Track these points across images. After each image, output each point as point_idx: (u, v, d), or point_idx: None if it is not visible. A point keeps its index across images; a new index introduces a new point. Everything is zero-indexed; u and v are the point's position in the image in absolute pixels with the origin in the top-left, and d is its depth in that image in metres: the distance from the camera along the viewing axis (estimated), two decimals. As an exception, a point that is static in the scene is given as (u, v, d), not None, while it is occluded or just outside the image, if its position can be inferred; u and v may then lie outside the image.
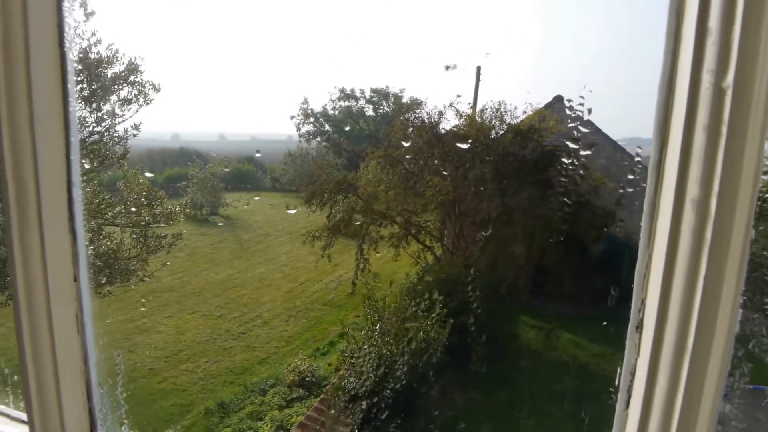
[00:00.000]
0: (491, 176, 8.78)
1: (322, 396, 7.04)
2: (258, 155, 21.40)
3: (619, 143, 10.28)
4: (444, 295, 6.98)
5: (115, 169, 8.95)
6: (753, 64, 0.56)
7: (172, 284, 11.85)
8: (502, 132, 9.47)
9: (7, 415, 0.87)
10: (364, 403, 5.90)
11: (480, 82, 10.74)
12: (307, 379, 7.89)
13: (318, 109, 21.41)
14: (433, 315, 6.55)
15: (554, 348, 8.23)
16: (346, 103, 21.53)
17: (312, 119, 21.63)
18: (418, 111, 10.40)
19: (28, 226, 0.76)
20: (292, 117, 21.42)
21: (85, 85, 8.19)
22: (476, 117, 9.65)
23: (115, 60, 8.36)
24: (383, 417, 5.70)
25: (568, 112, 7.43)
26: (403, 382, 5.87)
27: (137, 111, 8.60)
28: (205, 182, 16.57)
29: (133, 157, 9.56)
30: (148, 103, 8.71)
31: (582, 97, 6.97)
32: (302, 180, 17.17)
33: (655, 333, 0.68)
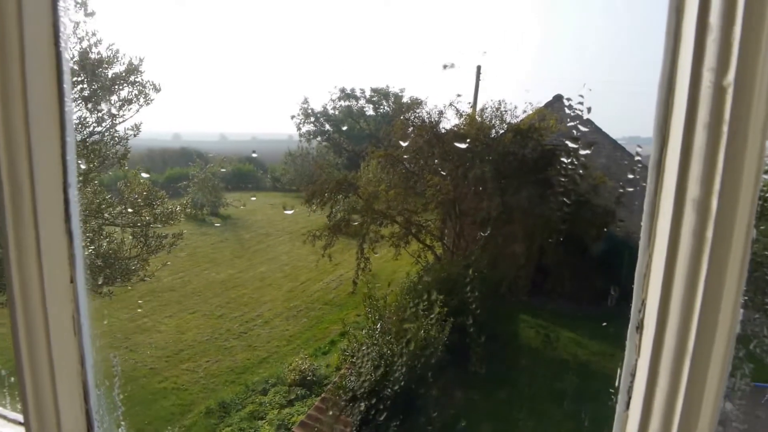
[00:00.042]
0: (491, 175, 8.77)
1: (323, 395, 7.04)
2: (254, 155, 21.38)
3: (619, 142, 10.28)
4: (444, 294, 6.98)
5: (116, 169, 8.95)
6: (754, 61, 0.55)
7: (173, 284, 11.86)
8: (502, 131, 9.46)
9: (4, 417, 0.87)
10: (364, 402, 5.90)
11: (480, 82, 10.73)
12: (308, 378, 7.89)
13: (318, 108, 21.42)
14: (434, 314, 6.55)
15: (554, 347, 8.23)
16: (347, 103, 21.53)
17: (312, 119, 21.64)
18: (418, 110, 10.39)
19: (24, 227, 0.75)
20: (293, 117, 21.43)
21: (85, 86, 8.19)
22: (476, 116, 9.64)
23: (115, 60, 8.36)
24: (384, 416, 5.70)
25: (567, 111, 7.42)
26: (404, 381, 5.86)
27: (138, 111, 8.60)
28: (205, 182, 16.60)
29: (133, 157, 9.57)
30: (148, 103, 8.71)
31: (581, 96, 6.96)
32: (303, 180, 17.17)
33: (655, 334, 0.68)
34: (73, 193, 0.83)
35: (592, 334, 8.36)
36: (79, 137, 8.04)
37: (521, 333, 8.80)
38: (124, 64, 8.46)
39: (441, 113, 9.73)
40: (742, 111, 0.56)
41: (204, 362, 8.76)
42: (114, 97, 8.48)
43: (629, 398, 0.72)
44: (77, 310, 0.81)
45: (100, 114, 8.34)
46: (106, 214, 8.28)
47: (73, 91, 8.21)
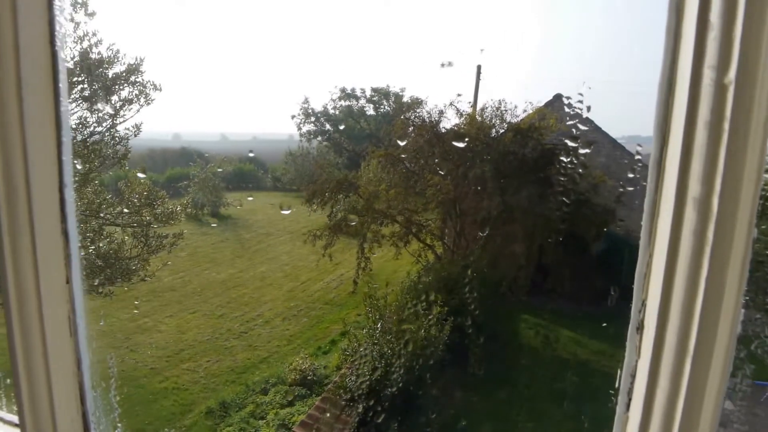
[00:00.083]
0: (492, 175, 8.76)
1: (323, 395, 7.04)
2: (251, 155, 21.38)
3: (619, 141, 10.27)
4: (445, 294, 6.97)
5: (116, 169, 8.96)
6: (755, 59, 0.55)
7: (174, 284, 11.87)
8: (502, 131, 9.45)
9: (0, 419, 0.86)
10: (364, 402, 5.90)
11: (480, 81, 10.73)
12: (309, 377, 7.90)
13: (319, 108, 21.42)
14: (434, 314, 6.54)
15: (554, 347, 8.22)
16: (347, 103, 21.53)
17: (313, 119, 21.64)
18: (418, 110, 10.39)
19: (19, 228, 0.75)
20: (293, 116, 21.44)
21: (86, 86, 8.20)
22: (477, 116, 9.63)
23: (115, 60, 8.36)
24: (384, 416, 5.70)
25: (567, 109, 7.40)
26: (404, 380, 5.86)
27: (138, 111, 8.61)
28: (206, 182, 16.62)
29: (134, 157, 9.57)
30: (149, 103, 8.71)
31: (581, 94, 6.94)
32: (303, 179, 17.18)
33: (656, 334, 0.67)
34: (69, 194, 0.82)
35: (593, 334, 8.35)
36: (79, 137, 8.05)
37: (521, 332, 8.79)
38: (124, 64, 8.47)
39: (441, 113, 9.73)
40: (744, 109, 0.55)
41: (204, 362, 8.77)
42: (114, 97, 8.49)
43: (629, 400, 0.71)
44: (73, 311, 0.80)
45: (100, 114, 8.35)
46: (106, 214, 8.28)
47: (74, 91, 8.20)
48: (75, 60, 7.91)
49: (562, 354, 8.09)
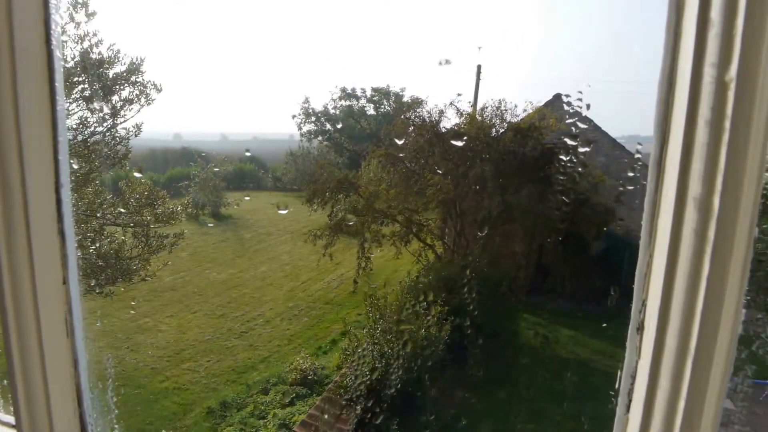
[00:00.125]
0: (492, 174, 8.75)
1: (324, 394, 7.04)
2: (248, 153, 21.37)
3: (619, 141, 10.25)
4: (446, 293, 6.97)
5: (117, 169, 8.97)
6: (757, 56, 0.54)
7: (174, 284, 11.88)
8: (502, 130, 9.45)
9: (-3, 419, 0.86)
10: (363, 402, 5.89)
11: (480, 81, 10.72)
12: (309, 377, 7.90)
13: (319, 108, 21.43)
14: (435, 313, 6.54)
15: (554, 345, 8.22)
16: (348, 102, 21.53)
17: (313, 118, 21.64)
18: (418, 110, 10.39)
19: (15, 228, 0.75)
20: (294, 116, 21.46)
21: (86, 86, 8.20)
22: (477, 115, 9.62)
23: (116, 60, 8.37)
24: (384, 416, 5.69)
25: (566, 108, 7.39)
26: (404, 380, 5.85)
27: (139, 111, 8.61)
28: (206, 182, 16.63)
29: (135, 157, 9.58)
30: (149, 103, 8.71)
31: (580, 92, 6.93)
32: (304, 179, 17.18)
33: (656, 335, 0.66)
34: (66, 194, 0.82)
35: (593, 333, 8.34)
36: (80, 137, 8.06)
37: (521, 332, 8.79)
38: (125, 64, 8.47)
39: (441, 112, 9.72)
40: (745, 107, 0.55)
41: (205, 362, 8.78)
42: (115, 97, 8.49)
43: (630, 401, 0.71)
44: (70, 311, 0.80)
45: (101, 114, 8.35)
46: (107, 214, 8.29)
47: (74, 91, 8.19)
48: (75, 60, 7.92)
49: (562, 353, 8.09)
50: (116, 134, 8.48)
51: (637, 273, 0.71)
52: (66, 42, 7.66)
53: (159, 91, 8.76)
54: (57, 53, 0.80)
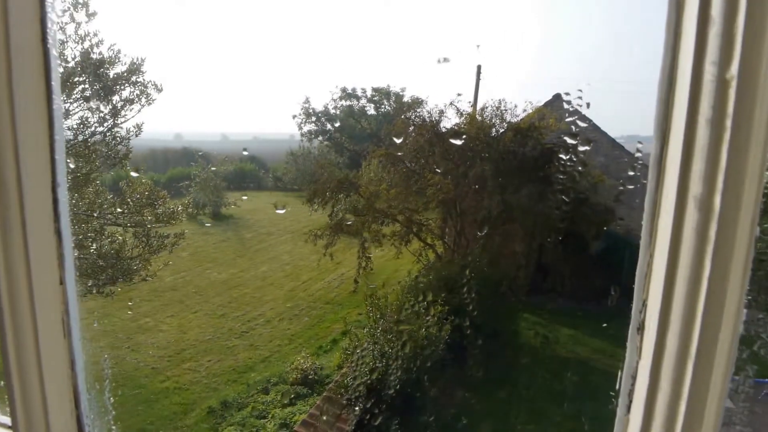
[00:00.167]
0: (492, 174, 8.75)
1: (325, 394, 7.04)
2: (245, 153, 21.34)
3: (618, 141, 10.24)
4: (446, 293, 6.96)
5: (118, 169, 8.98)
6: (758, 53, 0.53)
7: (175, 283, 11.89)
8: (502, 130, 9.45)
9: (-7, 420, 0.86)
10: (363, 401, 5.89)
11: (480, 81, 10.72)
12: (310, 377, 7.91)
13: (320, 108, 21.44)
14: (436, 313, 6.53)
15: (554, 345, 8.21)
16: (348, 102, 21.54)
17: (314, 118, 21.65)
18: (419, 110, 10.39)
19: (11, 228, 0.74)
20: (294, 116, 21.46)
21: (87, 86, 8.20)
22: (477, 115, 9.62)
23: (117, 60, 8.37)
24: (384, 415, 5.69)
25: (566, 106, 7.38)
26: (404, 380, 5.85)
27: (139, 111, 8.61)
28: (207, 182, 16.64)
29: (135, 157, 9.58)
30: (150, 103, 8.71)
31: (580, 90, 6.92)
32: (304, 179, 17.18)
33: (657, 335, 0.66)
34: (63, 193, 0.81)
35: (593, 333, 8.34)
36: (80, 137, 8.06)
37: (521, 332, 8.78)
38: (125, 64, 8.47)
39: (442, 112, 9.72)
40: (746, 105, 0.54)
41: (206, 361, 8.78)
42: (116, 97, 8.49)
43: (630, 401, 0.70)
44: (67, 312, 0.80)
45: (101, 114, 8.36)
46: (108, 214, 8.29)
47: (75, 92, 8.20)
48: (76, 60, 7.92)
49: (562, 353, 8.08)
50: (117, 134, 8.49)
51: (637, 273, 0.70)
52: (66, 42, 7.67)
53: (159, 91, 8.77)
54: (53, 51, 0.80)
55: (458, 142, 9.05)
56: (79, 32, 7.80)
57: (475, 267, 7.55)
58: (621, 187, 8.79)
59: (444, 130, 9.52)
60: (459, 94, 11.53)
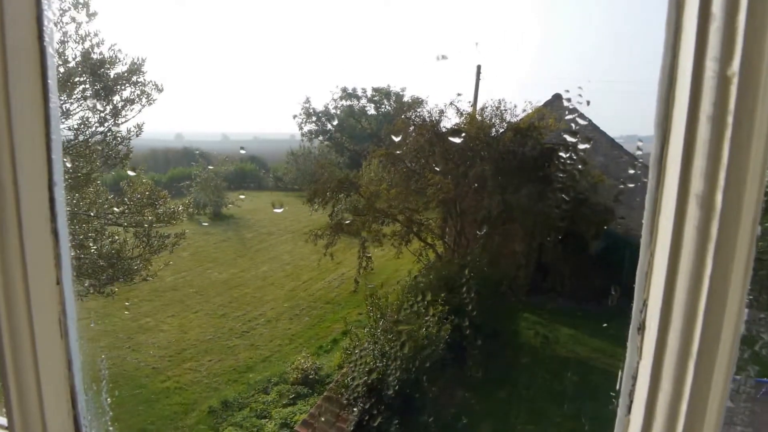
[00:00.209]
0: (492, 174, 8.75)
1: (325, 393, 7.04)
2: (243, 151, 21.38)
3: (617, 141, 10.24)
4: (446, 292, 6.96)
5: (119, 169, 8.98)
6: (760, 49, 0.52)
7: (176, 283, 11.90)
8: (502, 130, 9.45)
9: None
10: (364, 401, 5.89)
11: (480, 81, 10.72)
12: (311, 376, 7.91)
13: (320, 108, 21.45)
14: (436, 312, 6.53)
15: (554, 345, 8.21)
16: (348, 102, 21.55)
17: (314, 118, 21.66)
18: (419, 109, 10.38)
19: (7, 228, 0.74)
20: (295, 116, 21.49)
21: (87, 86, 8.21)
22: (477, 115, 9.62)
23: (117, 60, 8.37)
24: (384, 415, 5.68)
25: (566, 103, 7.37)
26: (404, 379, 5.85)
27: (140, 111, 8.62)
28: (208, 182, 16.66)
29: (136, 157, 9.59)
30: (150, 104, 8.71)
31: (580, 88, 6.92)
32: (305, 179, 17.20)
33: (658, 335, 0.65)
34: (59, 192, 0.81)
35: (593, 332, 8.34)
36: (81, 137, 8.07)
37: (521, 332, 8.78)
38: (126, 64, 8.47)
39: (442, 112, 9.72)
40: (748, 102, 0.53)
41: (207, 361, 8.79)
42: (116, 97, 8.49)
43: (631, 402, 0.70)
44: (64, 312, 0.79)
45: (102, 114, 8.36)
46: (109, 214, 8.30)
47: (76, 92, 8.19)
48: (77, 60, 7.92)
49: (562, 352, 8.08)
50: (117, 134, 8.49)
51: (638, 272, 0.69)
52: (67, 42, 7.68)
53: (160, 91, 8.77)
54: (50, 50, 0.79)
55: (457, 140, 9.05)
56: (80, 32, 7.80)
57: (475, 267, 7.55)
58: (621, 186, 8.78)
59: (444, 130, 9.53)
60: (459, 94, 11.57)
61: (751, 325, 0.71)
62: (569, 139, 7.58)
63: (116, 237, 8.36)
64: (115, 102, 8.46)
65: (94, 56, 8.09)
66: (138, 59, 8.54)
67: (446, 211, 9.84)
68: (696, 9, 0.57)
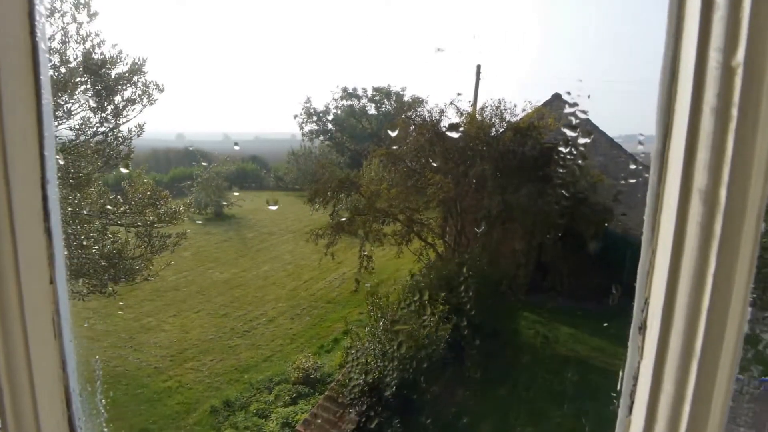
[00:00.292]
0: (492, 173, 8.74)
1: (326, 393, 7.04)
2: (236, 147, 21.29)
3: (616, 140, 10.23)
4: (446, 292, 6.95)
5: (119, 169, 8.98)
6: (765, 39, 0.51)
7: (177, 283, 11.92)
8: (502, 130, 9.44)
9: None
10: (366, 400, 5.88)
11: (480, 81, 10.71)
12: (312, 376, 7.91)
13: (321, 108, 21.46)
14: (437, 311, 6.52)
15: (554, 344, 8.19)
16: (349, 102, 21.54)
17: (315, 118, 21.66)
18: (419, 109, 10.38)
19: (-1, 226, 0.73)
20: (296, 116, 21.50)
21: (89, 86, 8.21)
22: (477, 115, 9.61)
23: (118, 60, 8.37)
24: (385, 414, 5.68)
25: (566, 96, 7.34)
26: (403, 379, 5.84)
27: (141, 111, 8.62)
28: (209, 182, 16.67)
29: (138, 157, 9.60)
30: (152, 104, 8.71)
31: (580, 81, 6.89)
32: (306, 178, 17.21)
33: (659, 334, 0.64)
34: (53, 190, 0.80)
35: (593, 331, 8.32)
36: (82, 137, 8.07)
37: (521, 331, 8.76)
38: (127, 64, 8.47)
39: (442, 112, 9.71)
40: (753, 93, 0.52)
41: (208, 361, 8.79)
42: (117, 98, 8.49)
43: (632, 402, 0.68)
44: (57, 312, 0.78)
45: (103, 114, 8.36)
46: (110, 214, 8.30)
47: (77, 92, 8.18)
48: (78, 60, 7.93)
49: (562, 352, 8.06)
50: (119, 134, 8.49)
51: (639, 270, 0.68)
52: (68, 42, 7.68)
53: (161, 91, 8.77)
54: (42, 45, 0.78)
55: (455, 135, 9.04)
56: (81, 32, 7.80)
57: (475, 266, 7.54)
58: (623, 181, 8.77)
59: (444, 129, 9.52)
60: (459, 94, 11.57)
61: (754, 324, 0.70)
62: (569, 133, 7.54)
63: (118, 237, 8.37)
64: (116, 102, 8.46)
65: (96, 56, 8.10)
66: (139, 59, 8.55)
67: (446, 211, 9.83)
68: (699, -2, 0.55)
